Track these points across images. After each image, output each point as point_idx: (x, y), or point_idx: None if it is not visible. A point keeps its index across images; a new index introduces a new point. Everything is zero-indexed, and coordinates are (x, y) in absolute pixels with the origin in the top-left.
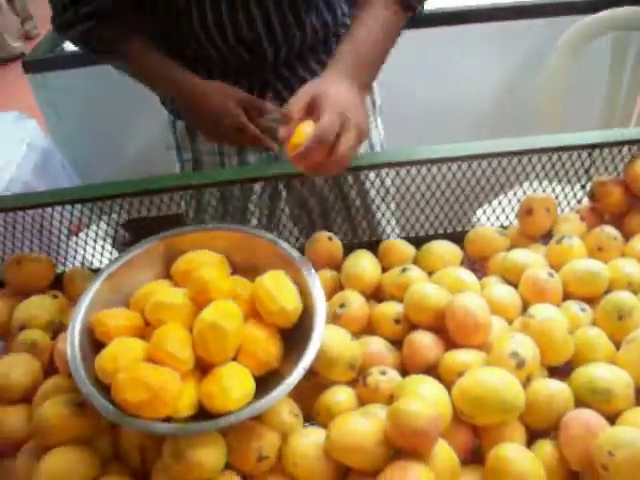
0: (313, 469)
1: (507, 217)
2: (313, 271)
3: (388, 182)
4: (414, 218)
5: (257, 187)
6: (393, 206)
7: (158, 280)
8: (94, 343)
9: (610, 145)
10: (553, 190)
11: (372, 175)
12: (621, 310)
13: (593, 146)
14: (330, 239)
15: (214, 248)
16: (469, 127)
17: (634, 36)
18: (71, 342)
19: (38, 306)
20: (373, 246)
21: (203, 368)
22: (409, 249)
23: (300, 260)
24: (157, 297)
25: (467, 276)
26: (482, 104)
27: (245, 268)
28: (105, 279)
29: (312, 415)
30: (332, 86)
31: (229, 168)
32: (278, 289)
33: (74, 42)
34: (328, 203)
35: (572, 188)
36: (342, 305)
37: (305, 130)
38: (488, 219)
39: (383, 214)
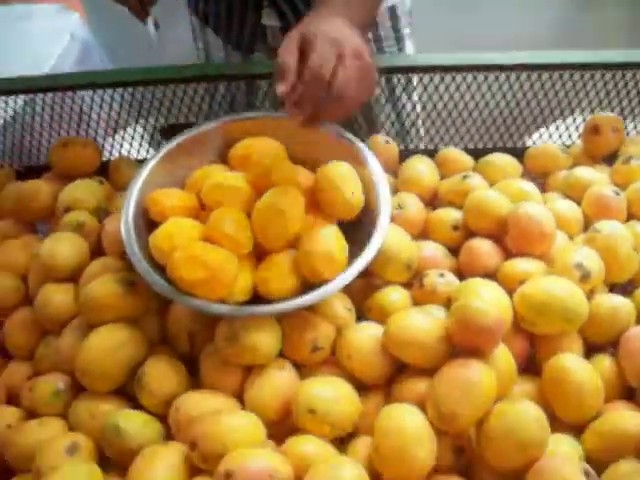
0: (368, 362)
1: (570, 137)
2: (379, 166)
3: (442, 89)
4: (474, 129)
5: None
6: (445, 115)
7: (214, 164)
8: (147, 223)
9: None
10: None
11: (426, 78)
12: None
13: None
14: (387, 142)
15: (274, 137)
16: None
17: None
18: (125, 220)
19: (85, 190)
20: (429, 154)
21: (259, 254)
22: (467, 159)
23: (366, 153)
24: (215, 179)
25: (530, 187)
26: None
27: (305, 159)
28: (159, 161)
29: (362, 313)
30: (321, 22)
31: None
32: (342, 179)
33: None
34: (376, 105)
35: None
36: (399, 206)
37: None
38: (550, 136)
39: (433, 122)
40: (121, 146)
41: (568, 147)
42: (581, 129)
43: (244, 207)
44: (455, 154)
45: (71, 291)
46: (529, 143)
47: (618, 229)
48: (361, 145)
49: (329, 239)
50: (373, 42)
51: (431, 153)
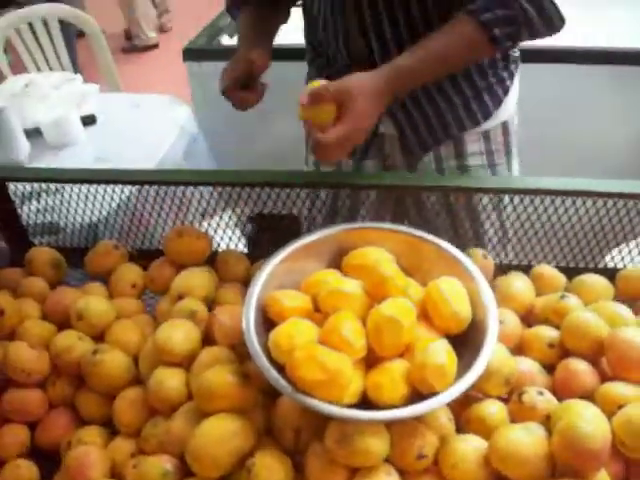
0: (471, 473)
1: None
2: (486, 282)
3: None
4: (566, 248)
5: (372, 195)
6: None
7: (329, 269)
8: (264, 321)
9: None
10: None
11: (516, 199)
12: None
13: None
14: (485, 257)
15: (386, 247)
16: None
17: None
18: (247, 316)
19: (197, 279)
20: (522, 270)
21: (369, 360)
22: (561, 277)
23: (474, 270)
24: (334, 285)
25: (625, 312)
26: (609, 151)
27: (415, 271)
28: (279, 262)
29: (459, 424)
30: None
31: (346, 172)
32: (452, 294)
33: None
34: (457, 221)
35: None
36: (499, 321)
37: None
38: (630, 254)
39: (529, 240)
40: (215, 232)
41: None
42: None
43: (359, 314)
44: (550, 271)
45: (183, 376)
46: (618, 263)
47: None
48: (469, 261)
49: (441, 352)
50: (485, 155)
51: (524, 269)
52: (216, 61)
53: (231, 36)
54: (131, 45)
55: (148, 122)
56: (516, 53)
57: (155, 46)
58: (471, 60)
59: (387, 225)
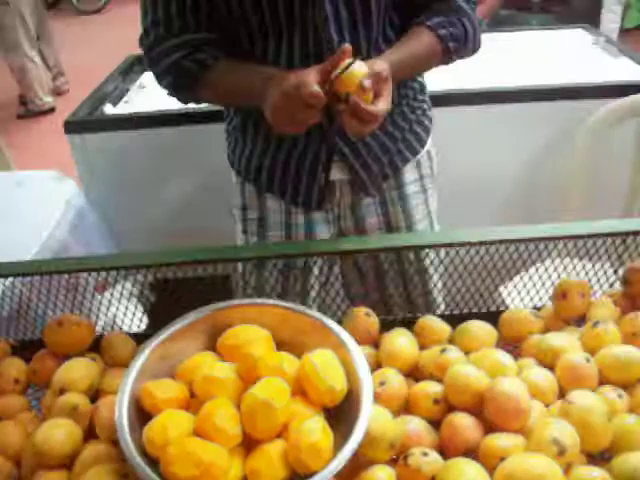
0: None
1: (538, 293)
2: (360, 351)
3: (427, 262)
4: (449, 297)
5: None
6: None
7: (204, 352)
8: (140, 412)
9: None
10: (584, 267)
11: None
12: None
13: (627, 233)
14: (367, 315)
15: (261, 323)
16: (498, 204)
17: None
18: (119, 412)
19: (79, 370)
20: (408, 323)
21: (247, 443)
22: (445, 327)
23: (348, 340)
24: (207, 371)
25: (505, 359)
26: (510, 183)
27: (292, 344)
28: (153, 349)
29: None
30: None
31: (286, 242)
32: (326, 368)
33: (163, 75)
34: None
35: (603, 268)
36: (382, 383)
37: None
38: (519, 294)
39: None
40: (108, 308)
41: (539, 309)
42: (547, 283)
43: (233, 398)
44: (432, 323)
45: (64, 478)
46: (503, 305)
47: (592, 400)
48: (342, 331)
49: (315, 431)
50: (419, 181)
51: (410, 321)
52: (100, 132)
53: (115, 104)
54: (26, 110)
55: (32, 200)
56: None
57: (52, 110)
58: (428, 67)
59: (260, 300)
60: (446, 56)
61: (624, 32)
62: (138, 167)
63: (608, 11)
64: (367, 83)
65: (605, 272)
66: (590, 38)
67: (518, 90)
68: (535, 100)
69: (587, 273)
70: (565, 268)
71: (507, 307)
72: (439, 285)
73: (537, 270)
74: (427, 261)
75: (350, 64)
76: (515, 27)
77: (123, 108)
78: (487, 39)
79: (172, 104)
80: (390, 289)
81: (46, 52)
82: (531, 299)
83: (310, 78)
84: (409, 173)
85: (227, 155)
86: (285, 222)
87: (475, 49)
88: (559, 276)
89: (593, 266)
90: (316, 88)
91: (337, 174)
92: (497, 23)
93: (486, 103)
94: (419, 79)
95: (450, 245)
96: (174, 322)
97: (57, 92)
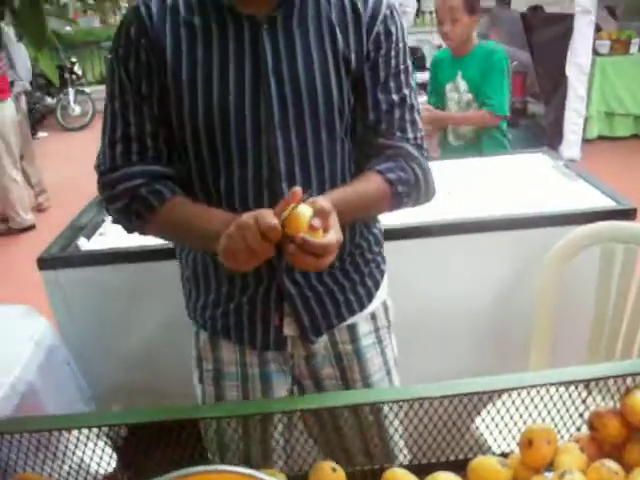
0: None
1: (505, 440)
2: None
3: (391, 416)
4: (417, 447)
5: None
6: (397, 436)
7: None
8: None
9: (606, 378)
10: (549, 413)
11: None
12: None
13: (589, 380)
14: (334, 470)
15: None
16: (466, 333)
17: (619, 248)
18: None
19: None
20: (377, 474)
21: None
22: (412, 478)
23: None
24: None
25: None
26: (478, 312)
27: None
28: None
29: None
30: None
31: (240, 402)
32: None
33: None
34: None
35: (568, 412)
36: None
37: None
38: (486, 442)
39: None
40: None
41: (507, 455)
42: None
43: None
44: (400, 475)
45: None
46: (470, 453)
47: None
48: None
49: None
50: (374, 333)
51: (376, 473)
52: (73, 268)
53: (89, 238)
54: (6, 227)
55: (1, 337)
56: (383, 242)
57: (32, 227)
58: (378, 210)
59: (220, 467)
60: (397, 200)
61: (586, 142)
62: (113, 302)
63: (569, 123)
64: (316, 222)
65: (571, 415)
66: (550, 162)
67: (482, 221)
68: (500, 230)
69: (553, 418)
70: (530, 414)
71: (474, 454)
72: (400, 434)
73: (502, 417)
74: (385, 414)
75: (295, 207)
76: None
77: (98, 241)
78: (452, 164)
79: (148, 237)
80: (347, 443)
81: (29, 170)
82: (499, 446)
83: (268, 212)
84: (363, 326)
85: (184, 305)
86: (241, 373)
87: (429, 194)
88: (525, 422)
89: (558, 411)
90: (275, 221)
91: (289, 330)
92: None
93: (452, 234)
94: (374, 231)
95: (408, 400)
96: None
97: (38, 209)
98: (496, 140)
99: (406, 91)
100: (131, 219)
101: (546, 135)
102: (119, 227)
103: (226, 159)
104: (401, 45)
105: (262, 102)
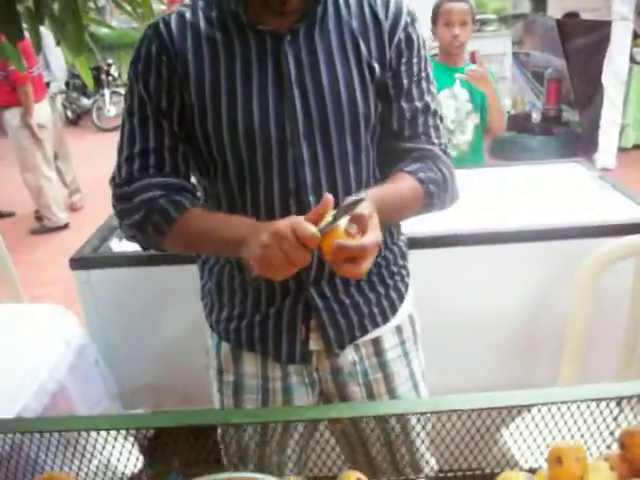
0: None
1: (532, 455)
2: None
3: (419, 428)
4: (443, 459)
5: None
6: (424, 447)
7: None
8: None
9: (638, 396)
10: (579, 429)
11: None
12: None
13: (621, 398)
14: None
15: None
16: (493, 346)
17: None
18: None
19: None
20: None
21: None
22: None
23: None
24: None
25: None
26: (505, 324)
27: None
28: None
29: None
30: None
31: (267, 409)
32: None
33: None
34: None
35: (599, 429)
36: None
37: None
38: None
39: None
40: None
41: (534, 472)
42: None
43: None
44: None
45: None
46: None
47: None
48: None
49: None
50: (400, 346)
51: None
52: (104, 269)
53: (121, 239)
54: (41, 226)
55: (34, 336)
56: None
57: (65, 226)
58: (410, 210)
59: (225, 475)
60: (427, 200)
61: (621, 151)
62: (142, 303)
63: (605, 131)
64: (352, 230)
65: (601, 433)
66: (584, 172)
67: (511, 231)
68: (529, 240)
69: (582, 435)
70: (560, 430)
71: (501, 468)
72: (427, 445)
73: (531, 432)
74: (412, 425)
75: (333, 221)
76: (511, 162)
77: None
78: (485, 173)
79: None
80: (373, 453)
81: (63, 169)
82: (526, 461)
83: (301, 219)
84: (389, 339)
85: (205, 316)
86: (262, 386)
87: (453, 197)
88: (554, 438)
89: (588, 428)
90: (313, 229)
91: (315, 345)
92: (499, 145)
93: (479, 244)
94: (399, 243)
95: (437, 412)
96: None
97: (72, 208)
98: (479, 156)
99: (428, 98)
100: (148, 232)
101: (581, 143)
102: None
103: (251, 171)
104: (423, 52)
105: (286, 114)
